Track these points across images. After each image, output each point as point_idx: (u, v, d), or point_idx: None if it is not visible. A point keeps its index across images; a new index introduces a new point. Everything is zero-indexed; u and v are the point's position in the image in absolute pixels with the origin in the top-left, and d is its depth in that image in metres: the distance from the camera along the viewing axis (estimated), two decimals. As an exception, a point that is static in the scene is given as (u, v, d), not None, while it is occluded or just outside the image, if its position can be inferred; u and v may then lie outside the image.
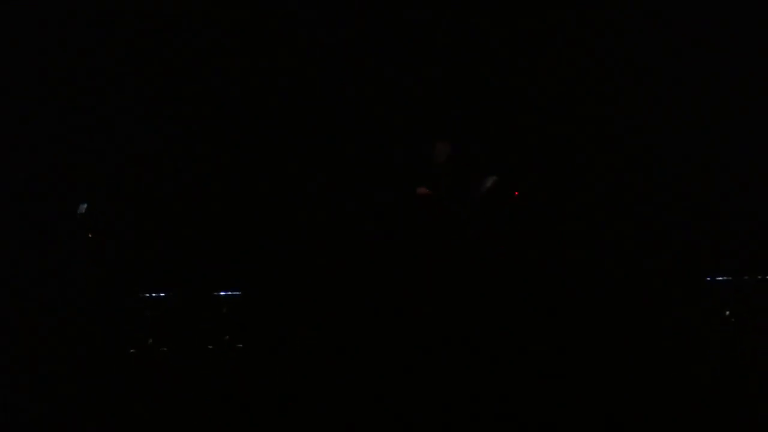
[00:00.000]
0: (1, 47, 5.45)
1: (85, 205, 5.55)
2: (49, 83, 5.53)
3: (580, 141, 5.90)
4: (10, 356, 4.87)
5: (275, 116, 5.88)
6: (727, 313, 5.50)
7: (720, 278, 5.62)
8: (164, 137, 5.78)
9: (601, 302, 5.44)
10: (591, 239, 5.71)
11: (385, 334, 5.31)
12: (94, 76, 5.63)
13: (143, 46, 5.66)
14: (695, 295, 5.58)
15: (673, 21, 5.89)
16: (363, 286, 5.53)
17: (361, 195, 5.81)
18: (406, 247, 5.58)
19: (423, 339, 5.21)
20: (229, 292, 5.60)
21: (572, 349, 5.07)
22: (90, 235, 5.57)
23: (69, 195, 5.57)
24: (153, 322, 5.48)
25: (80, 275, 5.44)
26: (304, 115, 5.88)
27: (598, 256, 5.65)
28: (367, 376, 4.93)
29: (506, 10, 5.93)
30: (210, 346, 5.44)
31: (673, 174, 5.86)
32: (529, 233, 5.67)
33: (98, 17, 5.61)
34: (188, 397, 4.73)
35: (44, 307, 5.22)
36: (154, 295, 5.53)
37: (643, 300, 5.47)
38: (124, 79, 5.67)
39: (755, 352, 5.17)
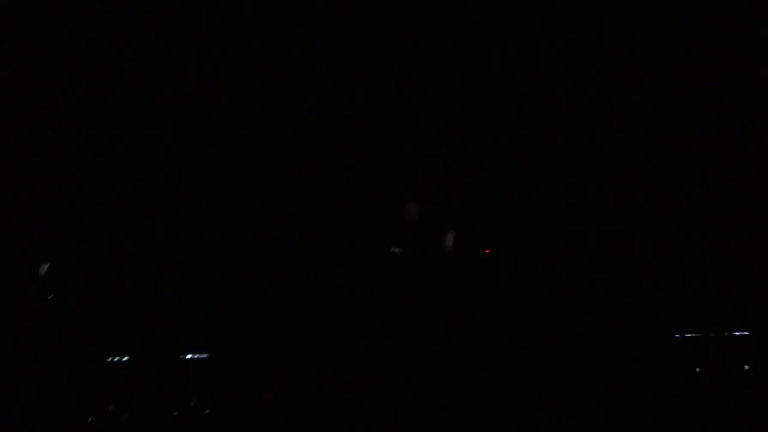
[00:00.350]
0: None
1: (47, 266, 5.38)
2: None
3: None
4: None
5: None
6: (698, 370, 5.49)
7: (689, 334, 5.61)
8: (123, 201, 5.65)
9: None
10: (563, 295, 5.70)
11: (354, 401, 5.23)
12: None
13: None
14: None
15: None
16: (334, 350, 5.42)
17: (333, 259, 5.71)
18: (375, 305, 5.51)
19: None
20: (196, 355, 5.41)
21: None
22: (51, 297, 5.39)
23: (29, 257, 5.39)
24: (116, 387, 5.28)
25: (40, 336, 5.25)
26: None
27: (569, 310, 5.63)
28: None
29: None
30: (175, 413, 5.25)
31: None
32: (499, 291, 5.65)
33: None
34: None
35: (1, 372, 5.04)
36: (117, 359, 5.32)
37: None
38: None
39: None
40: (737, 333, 5.62)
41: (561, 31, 5.95)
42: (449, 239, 5.64)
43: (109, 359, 5.37)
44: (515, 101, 5.91)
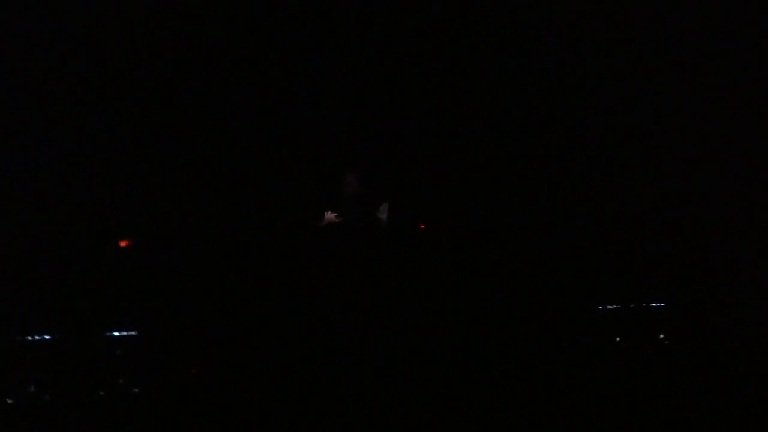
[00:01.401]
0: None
1: None
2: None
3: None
4: None
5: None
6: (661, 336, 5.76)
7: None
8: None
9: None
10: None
11: (288, 371, 5.20)
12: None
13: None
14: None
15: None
16: (266, 325, 5.35)
17: (263, 223, 5.64)
18: (308, 277, 5.48)
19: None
20: (124, 333, 5.24)
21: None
22: None
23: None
24: (35, 367, 5.04)
25: None
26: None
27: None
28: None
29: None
30: (102, 392, 5.08)
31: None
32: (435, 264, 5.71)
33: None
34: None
35: None
36: (37, 338, 5.09)
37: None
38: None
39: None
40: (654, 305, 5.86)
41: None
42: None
43: (31, 338, 5.13)
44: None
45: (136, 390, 5.14)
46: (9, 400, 4.94)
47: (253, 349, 5.23)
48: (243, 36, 5.70)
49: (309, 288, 5.41)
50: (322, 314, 5.33)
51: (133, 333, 5.28)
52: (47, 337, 5.14)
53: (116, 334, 5.25)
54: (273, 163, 5.72)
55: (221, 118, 5.68)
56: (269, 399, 5.04)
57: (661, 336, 5.75)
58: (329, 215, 5.55)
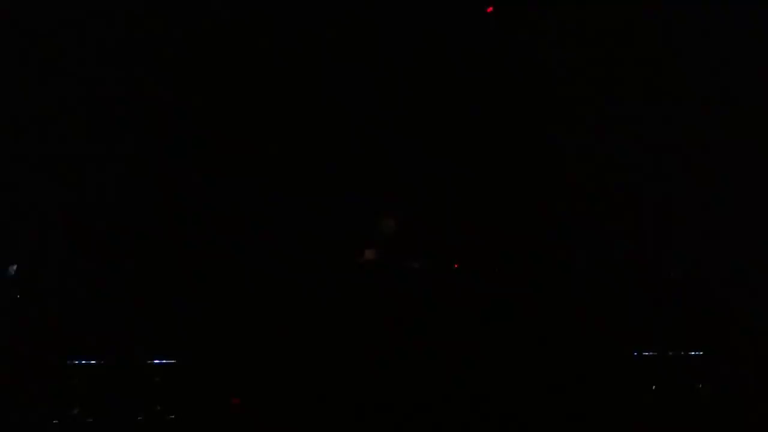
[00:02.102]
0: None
1: (15, 266, 5.39)
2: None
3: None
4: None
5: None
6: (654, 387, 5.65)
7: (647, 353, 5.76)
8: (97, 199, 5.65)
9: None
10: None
11: (324, 407, 5.29)
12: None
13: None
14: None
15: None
16: (301, 357, 5.46)
17: (299, 263, 5.75)
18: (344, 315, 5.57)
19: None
20: (163, 361, 5.45)
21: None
22: (18, 296, 5.38)
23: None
24: (80, 389, 5.28)
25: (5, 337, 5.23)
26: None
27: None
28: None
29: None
30: (140, 417, 5.28)
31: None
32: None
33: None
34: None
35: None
36: (83, 362, 5.33)
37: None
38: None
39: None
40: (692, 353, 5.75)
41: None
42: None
43: (76, 362, 5.37)
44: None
45: (172, 417, 5.27)
46: (55, 421, 5.12)
47: (295, 383, 5.34)
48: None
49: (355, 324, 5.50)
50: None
51: (172, 361, 5.44)
52: (92, 362, 5.34)
53: (156, 362, 5.42)
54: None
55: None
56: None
57: (700, 386, 5.60)
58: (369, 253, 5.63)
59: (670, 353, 5.75)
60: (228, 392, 5.41)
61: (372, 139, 5.82)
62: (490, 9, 5.88)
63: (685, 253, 5.93)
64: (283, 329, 5.56)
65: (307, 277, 5.55)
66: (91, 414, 5.24)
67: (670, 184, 6.01)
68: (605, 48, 5.98)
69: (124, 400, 5.34)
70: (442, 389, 5.10)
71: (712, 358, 5.73)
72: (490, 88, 5.99)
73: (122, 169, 5.59)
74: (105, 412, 5.27)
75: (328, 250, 5.65)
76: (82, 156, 5.49)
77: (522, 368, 5.33)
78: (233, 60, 5.78)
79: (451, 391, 5.09)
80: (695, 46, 5.99)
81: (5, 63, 5.35)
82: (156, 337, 5.53)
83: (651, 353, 5.73)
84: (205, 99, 5.72)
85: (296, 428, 5.09)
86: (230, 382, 5.41)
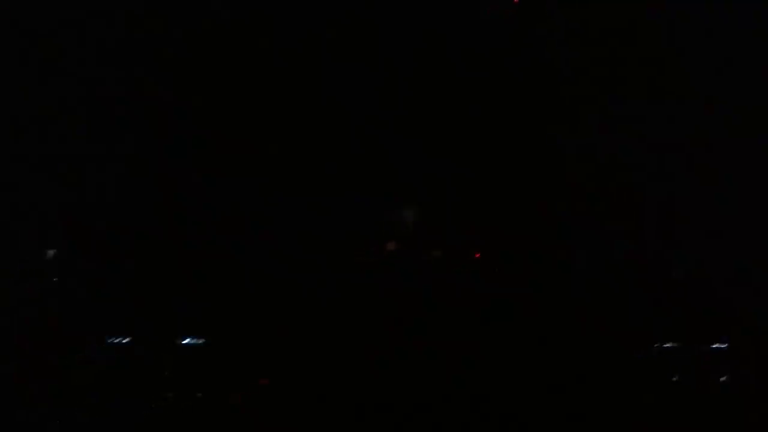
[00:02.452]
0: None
1: (54, 251, 5.58)
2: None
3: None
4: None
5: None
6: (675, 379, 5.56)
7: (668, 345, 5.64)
8: (129, 184, 5.77)
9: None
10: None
11: (350, 391, 5.32)
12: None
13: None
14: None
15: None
16: (327, 338, 5.49)
17: (329, 247, 5.76)
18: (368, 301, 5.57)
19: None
20: (192, 340, 5.57)
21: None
22: (55, 279, 5.59)
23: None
24: (114, 367, 5.46)
25: (44, 316, 5.44)
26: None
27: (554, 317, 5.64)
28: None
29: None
30: (169, 394, 5.43)
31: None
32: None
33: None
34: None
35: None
36: (116, 341, 5.51)
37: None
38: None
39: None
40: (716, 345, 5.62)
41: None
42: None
43: (111, 340, 5.54)
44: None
45: (200, 395, 5.42)
46: (89, 397, 5.33)
47: (324, 365, 5.40)
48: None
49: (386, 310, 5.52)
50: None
51: (201, 341, 5.57)
52: (125, 340, 5.53)
53: (185, 341, 5.57)
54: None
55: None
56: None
57: (722, 379, 5.50)
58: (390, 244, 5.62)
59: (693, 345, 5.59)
60: (256, 373, 5.47)
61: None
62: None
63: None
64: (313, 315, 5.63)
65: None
66: (124, 391, 5.40)
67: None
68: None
69: (156, 376, 5.49)
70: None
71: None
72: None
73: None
74: (137, 388, 5.43)
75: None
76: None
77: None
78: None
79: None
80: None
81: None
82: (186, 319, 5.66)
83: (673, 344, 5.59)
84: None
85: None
86: (259, 363, 5.47)
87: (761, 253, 5.67)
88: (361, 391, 5.14)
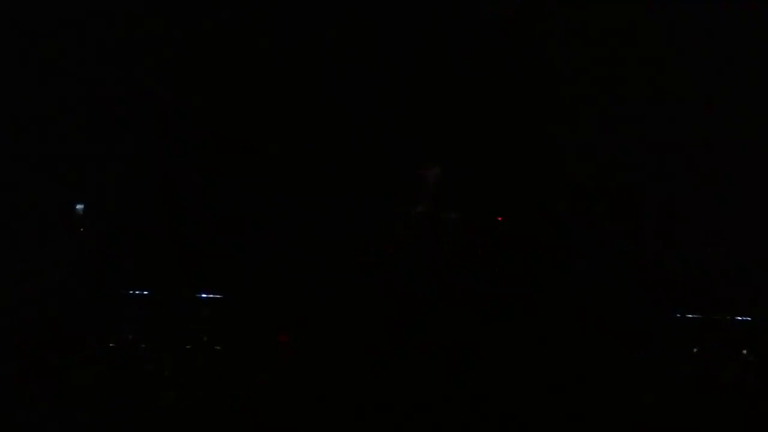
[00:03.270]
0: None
1: (82, 206, 5.74)
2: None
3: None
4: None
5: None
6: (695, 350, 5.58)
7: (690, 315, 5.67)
8: (152, 142, 5.83)
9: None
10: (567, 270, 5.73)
11: (367, 346, 5.33)
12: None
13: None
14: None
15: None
16: (347, 295, 5.50)
17: (351, 204, 5.79)
18: (390, 259, 5.58)
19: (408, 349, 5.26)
20: (211, 295, 5.70)
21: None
22: (81, 230, 5.76)
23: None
24: (136, 318, 5.60)
25: (67, 268, 5.61)
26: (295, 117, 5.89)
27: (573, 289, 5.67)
28: (347, 385, 5.06)
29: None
30: (188, 346, 5.55)
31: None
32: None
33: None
34: (165, 393, 5.04)
35: (27, 297, 5.37)
36: (137, 292, 5.66)
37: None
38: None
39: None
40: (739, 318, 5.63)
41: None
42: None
43: (132, 292, 5.67)
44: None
45: (218, 348, 5.53)
46: (111, 344, 5.46)
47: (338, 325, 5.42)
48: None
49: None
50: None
51: (219, 296, 5.72)
52: (146, 292, 5.69)
53: (204, 296, 5.72)
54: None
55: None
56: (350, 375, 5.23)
57: (744, 351, 5.52)
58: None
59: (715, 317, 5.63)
60: (276, 329, 5.53)
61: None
62: None
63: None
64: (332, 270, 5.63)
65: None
66: (144, 341, 5.52)
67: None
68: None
69: (175, 329, 5.60)
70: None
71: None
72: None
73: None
74: (159, 340, 5.54)
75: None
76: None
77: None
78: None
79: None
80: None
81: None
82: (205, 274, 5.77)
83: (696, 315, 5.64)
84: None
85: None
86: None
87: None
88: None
